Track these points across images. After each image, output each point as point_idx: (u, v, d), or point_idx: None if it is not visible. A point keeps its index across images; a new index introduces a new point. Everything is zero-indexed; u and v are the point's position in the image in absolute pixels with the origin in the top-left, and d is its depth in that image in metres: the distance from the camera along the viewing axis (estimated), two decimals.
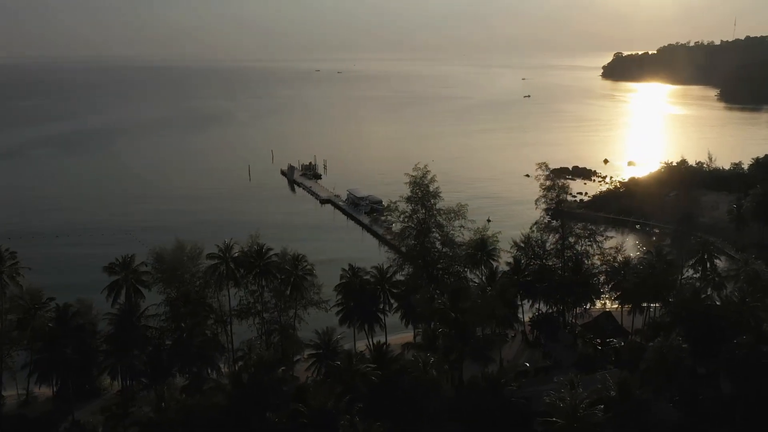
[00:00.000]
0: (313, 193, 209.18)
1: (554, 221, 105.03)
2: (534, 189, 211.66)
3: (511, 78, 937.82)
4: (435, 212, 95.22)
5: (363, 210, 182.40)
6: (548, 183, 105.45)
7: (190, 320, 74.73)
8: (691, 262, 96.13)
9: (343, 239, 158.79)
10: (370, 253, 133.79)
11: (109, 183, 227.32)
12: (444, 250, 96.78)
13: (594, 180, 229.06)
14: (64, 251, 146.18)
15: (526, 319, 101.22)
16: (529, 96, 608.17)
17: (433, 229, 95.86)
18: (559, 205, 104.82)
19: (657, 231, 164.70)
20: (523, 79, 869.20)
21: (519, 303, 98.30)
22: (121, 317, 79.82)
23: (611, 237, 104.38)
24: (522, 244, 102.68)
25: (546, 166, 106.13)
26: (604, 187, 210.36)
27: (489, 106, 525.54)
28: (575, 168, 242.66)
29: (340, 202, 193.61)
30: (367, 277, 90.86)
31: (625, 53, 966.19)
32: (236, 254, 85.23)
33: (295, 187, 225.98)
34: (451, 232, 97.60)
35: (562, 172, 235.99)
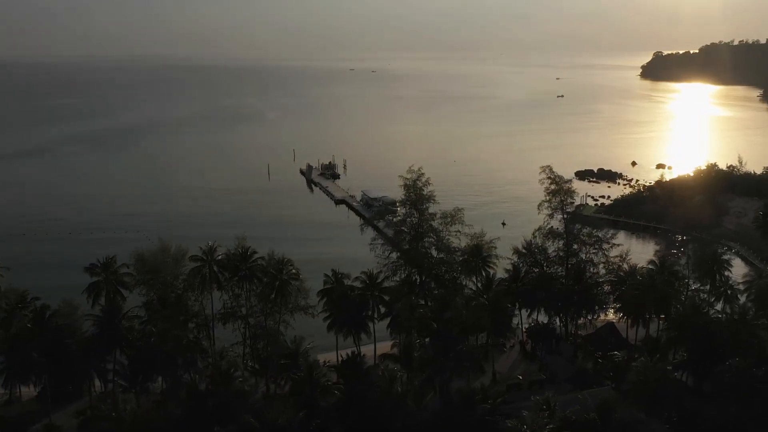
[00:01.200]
0: (328, 193, 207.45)
1: (564, 227, 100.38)
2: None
3: (545, 78, 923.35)
4: (428, 216, 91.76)
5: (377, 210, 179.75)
6: (552, 187, 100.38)
7: (161, 324, 72.98)
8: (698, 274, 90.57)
9: (350, 240, 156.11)
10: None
11: (127, 181, 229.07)
12: (440, 255, 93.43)
13: (618, 183, 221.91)
14: (71, 249, 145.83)
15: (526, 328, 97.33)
16: (562, 96, 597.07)
17: (430, 234, 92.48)
18: (564, 211, 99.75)
19: (679, 238, 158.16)
20: (558, 78, 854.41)
21: (516, 312, 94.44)
22: (102, 319, 78.88)
23: (619, 245, 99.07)
24: (523, 250, 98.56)
25: (550, 169, 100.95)
26: (628, 191, 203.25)
27: (520, 106, 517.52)
28: (600, 170, 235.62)
29: (354, 203, 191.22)
30: (356, 282, 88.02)
31: (665, 52, 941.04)
32: (220, 257, 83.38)
33: (313, 186, 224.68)
34: (447, 237, 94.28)
35: (585, 175, 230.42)
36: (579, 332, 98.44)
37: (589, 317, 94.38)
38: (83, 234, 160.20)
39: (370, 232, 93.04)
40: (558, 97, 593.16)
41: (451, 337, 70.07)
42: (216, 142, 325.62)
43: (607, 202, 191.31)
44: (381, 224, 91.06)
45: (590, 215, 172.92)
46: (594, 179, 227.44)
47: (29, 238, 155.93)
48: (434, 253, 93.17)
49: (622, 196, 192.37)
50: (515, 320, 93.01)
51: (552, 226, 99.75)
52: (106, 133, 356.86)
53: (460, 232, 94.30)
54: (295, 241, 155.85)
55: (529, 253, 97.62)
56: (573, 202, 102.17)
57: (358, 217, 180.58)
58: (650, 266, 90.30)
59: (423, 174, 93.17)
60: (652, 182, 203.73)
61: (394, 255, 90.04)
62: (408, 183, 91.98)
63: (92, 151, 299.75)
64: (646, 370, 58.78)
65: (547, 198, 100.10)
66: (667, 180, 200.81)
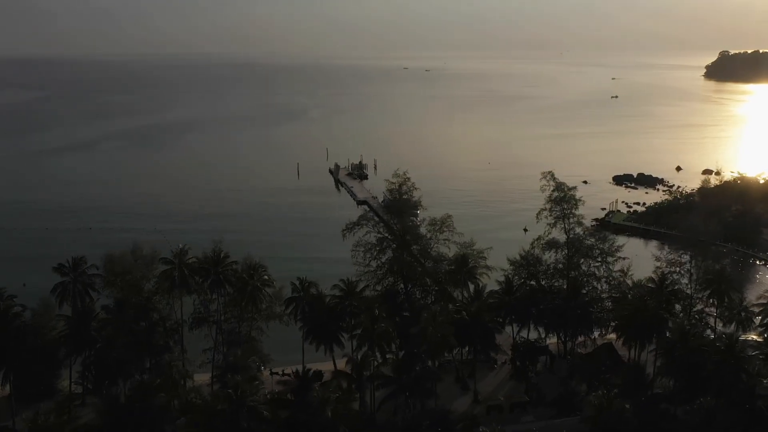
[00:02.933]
0: (352, 194, 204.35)
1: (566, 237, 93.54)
2: (590, 197, 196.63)
3: (601, 77, 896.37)
4: (412, 222, 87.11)
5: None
6: (555, 194, 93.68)
7: (108, 329, 70.86)
8: (703, 294, 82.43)
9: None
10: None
11: (158, 178, 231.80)
12: (427, 263, 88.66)
13: (658, 189, 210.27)
14: (82, 247, 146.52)
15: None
16: (616, 97, 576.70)
17: (416, 243, 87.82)
18: (567, 220, 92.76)
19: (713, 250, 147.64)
20: (613, 78, 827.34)
21: (504, 327, 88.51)
22: (73, 320, 77.63)
23: (624, 257, 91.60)
24: (521, 261, 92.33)
25: (552, 175, 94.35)
26: (666, 198, 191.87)
27: (570, 107, 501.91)
28: (640, 175, 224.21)
29: (375, 204, 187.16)
30: (335, 290, 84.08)
31: (732, 51, 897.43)
32: (191, 260, 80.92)
33: (339, 186, 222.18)
34: (436, 245, 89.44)
35: (623, 180, 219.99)
36: (579, 351, 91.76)
37: (586, 336, 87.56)
38: (100, 229, 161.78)
39: (352, 238, 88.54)
40: (612, 98, 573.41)
41: (412, 354, 65.23)
42: (254, 140, 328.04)
43: (641, 209, 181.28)
44: (362, 231, 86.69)
45: (619, 223, 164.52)
46: (632, 185, 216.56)
47: (40, 232, 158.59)
48: (422, 261, 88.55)
49: (656, 203, 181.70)
50: (501, 337, 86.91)
51: (553, 237, 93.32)
52: (150, 129, 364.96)
53: (449, 240, 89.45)
54: (305, 241, 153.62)
55: (525, 264, 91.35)
56: (577, 211, 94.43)
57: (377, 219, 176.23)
58: (650, 284, 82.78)
59: (408, 179, 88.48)
60: (694, 189, 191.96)
61: (374, 263, 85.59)
62: (393, 188, 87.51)
63: (133, 146, 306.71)
64: (601, 404, 52.69)
65: (547, 206, 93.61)
66: (711, 187, 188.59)
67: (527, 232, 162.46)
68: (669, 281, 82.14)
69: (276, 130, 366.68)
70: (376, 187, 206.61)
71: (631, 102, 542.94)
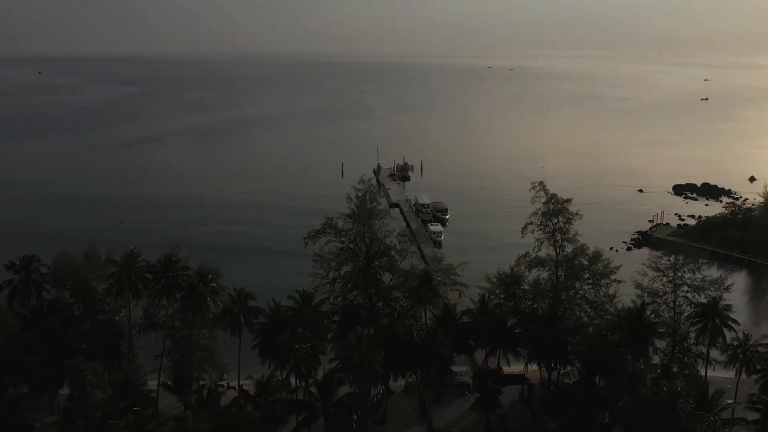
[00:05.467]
0: (387, 196, 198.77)
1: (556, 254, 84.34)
2: (642, 207, 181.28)
3: (694, 78, 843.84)
4: (378, 235, 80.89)
5: (424, 217, 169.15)
6: (544, 208, 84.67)
7: (24, 332, 69.12)
8: (692, 329, 71.15)
9: None
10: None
11: (206, 173, 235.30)
12: (394, 278, 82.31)
13: (721, 201, 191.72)
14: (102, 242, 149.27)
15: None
16: (706, 99, 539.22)
17: (381, 256, 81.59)
18: (558, 234, 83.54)
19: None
20: (706, 79, 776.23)
21: (474, 351, 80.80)
22: (28, 319, 77.01)
23: (620, 281, 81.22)
24: (499, 280, 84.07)
25: (542, 184, 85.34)
26: (726, 210, 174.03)
27: (653, 109, 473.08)
28: (705, 185, 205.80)
29: (406, 208, 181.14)
30: (290, 301, 79.30)
31: None
32: (141, 263, 78.55)
33: (380, 188, 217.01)
34: (406, 258, 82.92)
35: (684, 189, 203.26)
36: (564, 381, 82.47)
37: (564, 366, 78.42)
38: (130, 224, 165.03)
39: (314, 246, 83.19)
40: (702, 100, 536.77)
41: (331, 379, 59.49)
42: (312, 137, 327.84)
43: (694, 222, 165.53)
44: (324, 240, 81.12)
45: (661, 237, 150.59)
46: (693, 195, 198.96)
47: (74, 223, 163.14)
48: (388, 276, 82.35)
49: (708, 217, 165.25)
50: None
51: (540, 254, 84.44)
52: (222, 125, 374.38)
53: (416, 253, 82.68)
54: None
55: (502, 283, 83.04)
56: (569, 227, 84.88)
57: (405, 223, 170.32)
58: (626, 314, 72.44)
59: (374, 186, 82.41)
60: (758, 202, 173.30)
61: (332, 274, 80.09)
62: (358, 195, 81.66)
63: (199, 142, 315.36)
64: None
65: (532, 220, 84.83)
66: None
67: None
68: (650, 312, 71.62)
69: (336, 128, 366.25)
70: (418, 188, 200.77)
71: (722, 105, 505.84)
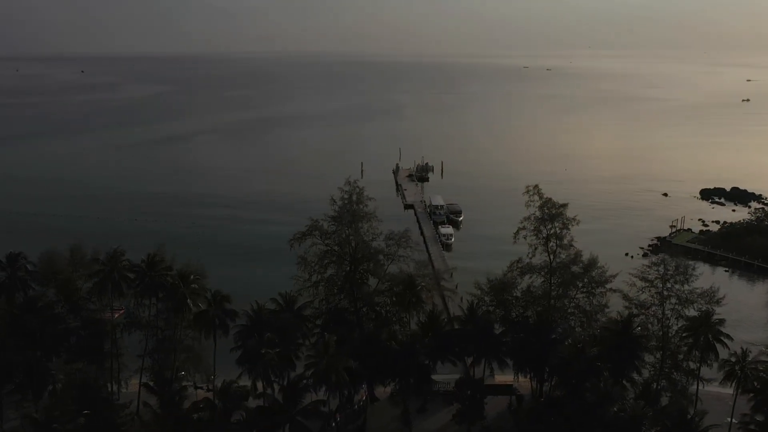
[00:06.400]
0: (404, 197, 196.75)
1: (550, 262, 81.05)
2: (666, 212, 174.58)
3: (736, 78, 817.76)
4: (365, 238, 79.02)
5: (437, 219, 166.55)
6: (538, 213, 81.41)
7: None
8: (683, 344, 67.05)
9: None
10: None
11: (227, 170, 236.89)
12: (380, 284, 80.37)
13: (750, 206, 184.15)
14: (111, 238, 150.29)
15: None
16: (747, 100, 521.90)
17: (371, 260, 79.76)
18: (553, 240, 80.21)
19: None
20: (749, 80, 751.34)
21: (460, 360, 78.17)
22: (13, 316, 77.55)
23: (616, 291, 77.57)
24: (487, 286, 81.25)
25: (537, 189, 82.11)
26: (752, 216, 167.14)
27: (691, 110, 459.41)
28: (734, 189, 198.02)
29: (420, 210, 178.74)
30: (272, 304, 77.99)
31: None
32: (124, 262, 78.30)
33: (397, 188, 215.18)
34: (393, 263, 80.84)
35: (711, 194, 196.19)
36: (556, 393, 79.33)
37: (550, 377, 75.35)
38: (143, 221, 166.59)
39: (299, 248, 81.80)
40: (743, 101, 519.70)
41: (294, 387, 57.93)
42: (337, 137, 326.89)
43: (718, 228, 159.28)
44: (309, 242, 79.61)
45: (680, 244, 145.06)
46: (720, 200, 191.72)
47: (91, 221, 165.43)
48: (374, 280, 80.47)
49: (731, 223, 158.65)
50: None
51: (532, 261, 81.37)
52: (252, 123, 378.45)
53: (405, 257, 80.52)
54: None
55: (491, 290, 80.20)
56: (565, 232, 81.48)
57: (417, 225, 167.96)
58: (609, 323, 68.79)
59: (360, 189, 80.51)
60: None
61: (314, 277, 78.55)
62: (344, 197, 79.95)
63: (220, 140, 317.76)
64: None
65: (525, 225, 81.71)
66: None
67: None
68: (637, 325, 67.91)
69: (363, 127, 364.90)
70: (433, 191, 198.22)
71: (764, 106, 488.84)
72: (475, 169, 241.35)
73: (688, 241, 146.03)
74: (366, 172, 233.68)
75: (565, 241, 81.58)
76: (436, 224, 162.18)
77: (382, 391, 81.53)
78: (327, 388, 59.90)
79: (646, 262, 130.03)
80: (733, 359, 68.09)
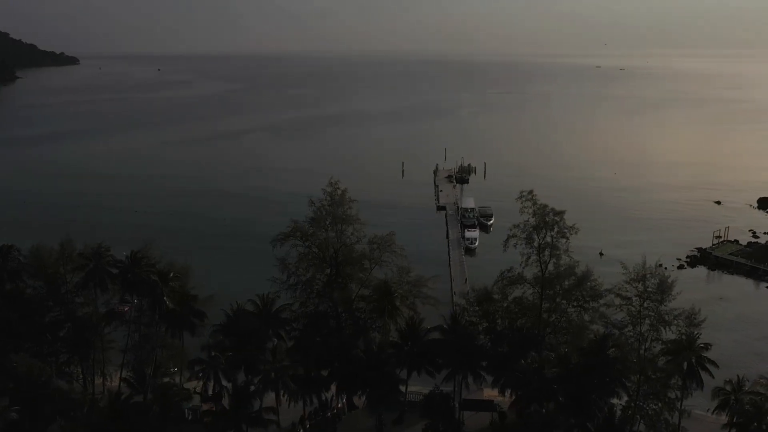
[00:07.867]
0: (437, 198, 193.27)
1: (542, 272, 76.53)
2: (715, 222, 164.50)
3: None
4: (346, 241, 76.95)
5: (466, 222, 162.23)
6: (533, 220, 77.01)
7: None
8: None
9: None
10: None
11: (268, 170, 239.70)
12: (359, 288, 78.06)
13: None
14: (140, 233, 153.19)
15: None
16: None
17: (352, 264, 77.59)
18: (542, 254, 75.61)
19: None
20: None
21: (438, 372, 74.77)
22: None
23: (611, 306, 72.15)
24: (471, 296, 77.59)
25: (532, 195, 77.59)
26: None
27: (765, 113, 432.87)
28: None
29: (451, 211, 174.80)
30: (248, 305, 77.11)
31: None
32: (108, 258, 79.33)
33: (435, 189, 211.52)
34: (376, 267, 78.35)
35: (744, 201, 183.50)
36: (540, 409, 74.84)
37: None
38: (144, 213, 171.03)
39: (280, 249, 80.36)
40: None
41: (240, 392, 56.63)
42: (387, 136, 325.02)
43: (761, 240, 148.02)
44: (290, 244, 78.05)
45: (720, 256, 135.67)
46: (755, 207, 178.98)
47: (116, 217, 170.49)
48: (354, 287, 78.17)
49: None
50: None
51: (522, 271, 76.99)
52: (299, 122, 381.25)
53: (387, 262, 77.82)
54: None
55: (474, 300, 76.47)
56: (562, 240, 76.53)
57: (446, 227, 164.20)
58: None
59: (341, 190, 78.35)
60: None
61: (292, 279, 77.03)
62: (325, 198, 78.02)
63: (269, 138, 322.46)
64: None
65: (515, 232, 77.40)
66: None
67: (603, 257, 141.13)
68: (611, 346, 62.57)
69: (413, 126, 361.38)
70: (471, 193, 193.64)
71: None
72: (520, 171, 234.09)
73: (731, 254, 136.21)
74: (407, 172, 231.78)
75: (560, 251, 77.00)
76: (464, 227, 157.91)
77: (362, 401, 79.37)
78: (276, 394, 58.33)
79: (681, 274, 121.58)
80: (728, 388, 62.25)
